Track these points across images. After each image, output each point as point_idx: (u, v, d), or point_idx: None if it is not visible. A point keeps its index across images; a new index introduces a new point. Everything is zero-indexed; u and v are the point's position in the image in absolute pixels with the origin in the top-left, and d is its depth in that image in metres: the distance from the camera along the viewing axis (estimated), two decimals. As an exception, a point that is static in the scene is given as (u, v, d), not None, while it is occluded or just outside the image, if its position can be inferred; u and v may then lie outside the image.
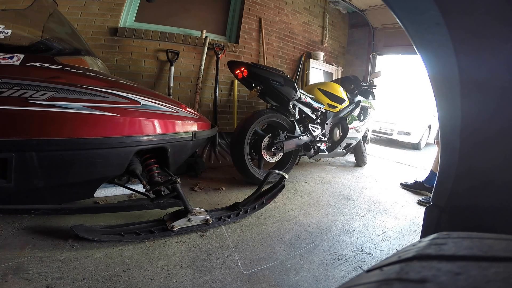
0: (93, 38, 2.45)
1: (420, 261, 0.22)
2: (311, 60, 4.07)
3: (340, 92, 2.87)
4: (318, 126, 2.69)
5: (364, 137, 3.43)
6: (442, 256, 0.22)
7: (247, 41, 3.46)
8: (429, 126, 5.79)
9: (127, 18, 2.72)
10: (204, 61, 2.94)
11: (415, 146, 5.66)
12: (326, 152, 2.80)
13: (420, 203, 2.31)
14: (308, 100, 2.58)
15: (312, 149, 2.53)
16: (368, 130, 3.56)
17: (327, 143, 2.83)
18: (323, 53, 4.26)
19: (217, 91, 3.02)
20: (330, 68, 4.41)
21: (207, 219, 1.45)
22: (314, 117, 2.67)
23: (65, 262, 1.09)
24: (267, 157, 2.33)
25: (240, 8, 3.39)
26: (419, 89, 5.84)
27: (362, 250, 1.46)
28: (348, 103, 2.96)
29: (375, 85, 3.23)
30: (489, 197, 0.51)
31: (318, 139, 2.67)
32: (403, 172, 3.41)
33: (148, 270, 1.11)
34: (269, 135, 2.33)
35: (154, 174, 1.41)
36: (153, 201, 1.38)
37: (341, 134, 2.95)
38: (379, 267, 0.24)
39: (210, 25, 3.25)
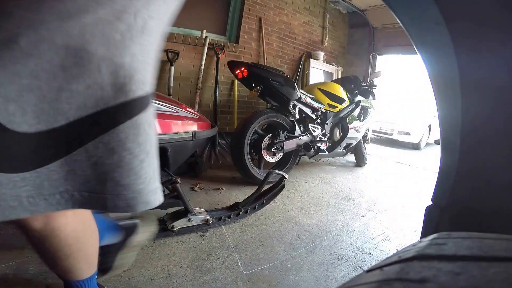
0: (93, 38, 2.45)
1: (420, 261, 0.22)
2: (311, 60, 4.07)
3: (340, 92, 2.87)
4: (318, 126, 2.69)
5: (364, 137, 3.43)
6: (442, 256, 0.22)
7: (247, 41, 3.46)
8: (429, 126, 5.79)
9: (127, 18, 2.71)
10: (204, 61, 2.94)
11: (415, 146, 5.66)
12: (326, 152, 2.80)
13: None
14: (308, 100, 2.58)
15: (312, 149, 2.53)
16: (368, 130, 3.56)
17: (327, 143, 2.84)
18: (323, 53, 4.27)
19: (217, 91, 3.02)
20: (330, 68, 4.41)
21: (207, 219, 1.45)
22: (314, 117, 2.67)
23: (65, 262, 1.09)
24: (267, 157, 2.33)
25: (240, 8, 3.39)
26: (419, 89, 5.84)
27: (362, 250, 1.46)
28: (348, 103, 2.96)
29: (375, 85, 3.23)
30: (489, 197, 0.51)
31: (318, 139, 2.67)
32: (403, 172, 3.41)
33: (148, 270, 1.11)
34: (269, 135, 2.32)
35: (154, 174, 1.41)
36: (153, 201, 1.38)
37: (341, 134, 2.95)
38: (380, 267, 0.24)
39: (210, 25, 3.25)
